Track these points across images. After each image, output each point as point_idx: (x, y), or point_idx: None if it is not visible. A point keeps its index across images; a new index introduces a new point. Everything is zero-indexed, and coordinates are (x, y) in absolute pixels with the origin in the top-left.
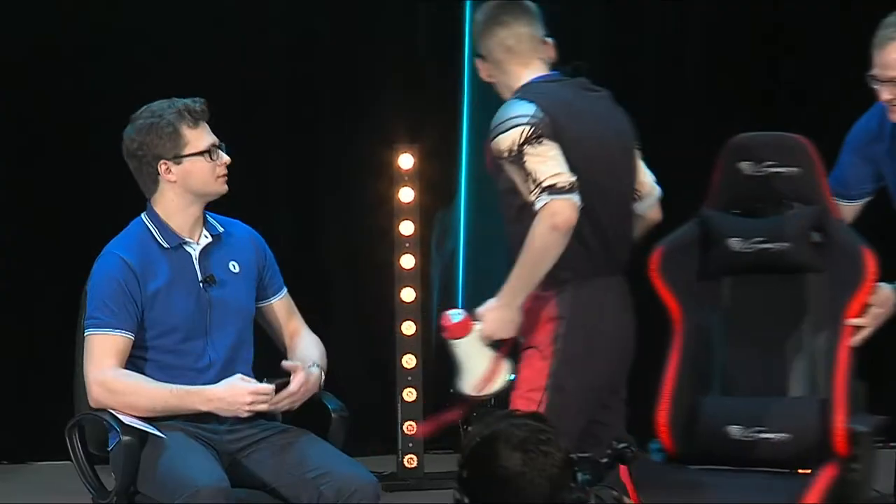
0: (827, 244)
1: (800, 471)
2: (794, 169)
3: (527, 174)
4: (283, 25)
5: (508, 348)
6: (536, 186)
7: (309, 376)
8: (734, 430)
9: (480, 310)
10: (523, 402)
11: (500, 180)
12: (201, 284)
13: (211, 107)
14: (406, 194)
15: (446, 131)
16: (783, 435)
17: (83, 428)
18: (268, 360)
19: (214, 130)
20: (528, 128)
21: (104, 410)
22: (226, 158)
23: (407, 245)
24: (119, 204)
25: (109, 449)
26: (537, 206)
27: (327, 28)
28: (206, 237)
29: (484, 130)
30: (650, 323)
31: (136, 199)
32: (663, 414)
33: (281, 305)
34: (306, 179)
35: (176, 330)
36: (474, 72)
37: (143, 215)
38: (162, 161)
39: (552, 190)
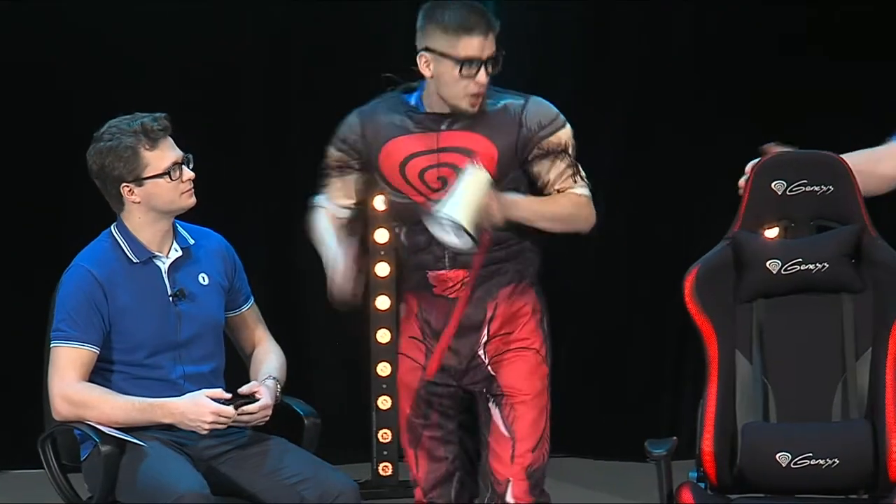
0: (867, 263)
1: (850, 496)
2: (828, 187)
3: (576, 169)
4: (280, 28)
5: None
6: (582, 179)
7: (268, 395)
8: (782, 458)
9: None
10: (534, 411)
11: (506, 180)
12: (171, 298)
13: (172, 120)
14: (380, 202)
15: None
16: (832, 460)
17: (55, 438)
18: (241, 368)
19: (201, 138)
20: None
21: (80, 421)
22: (189, 174)
23: (382, 253)
24: (104, 212)
25: (82, 459)
26: (582, 192)
27: (325, 33)
28: (176, 250)
29: None
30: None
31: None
32: (708, 443)
33: (247, 315)
34: (280, 183)
35: (143, 345)
36: None
37: (112, 227)
38: (123, 184)
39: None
